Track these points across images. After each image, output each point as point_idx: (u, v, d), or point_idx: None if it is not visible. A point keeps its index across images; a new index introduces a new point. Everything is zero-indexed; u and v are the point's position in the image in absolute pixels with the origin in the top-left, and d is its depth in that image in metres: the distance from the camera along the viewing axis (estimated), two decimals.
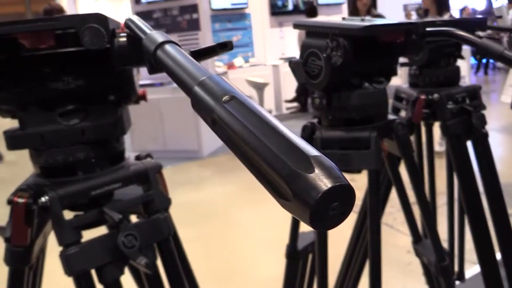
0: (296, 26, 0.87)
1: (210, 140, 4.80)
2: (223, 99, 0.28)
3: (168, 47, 0.38)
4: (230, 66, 6.13)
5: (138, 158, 0.71)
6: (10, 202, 0.63)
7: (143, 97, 0.70)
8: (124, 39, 0.58)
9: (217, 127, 0.28)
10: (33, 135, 0.61)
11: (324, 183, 0.22)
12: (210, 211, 3.23)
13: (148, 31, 0.43)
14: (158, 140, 4.79)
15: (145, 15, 5.16)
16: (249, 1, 6.52)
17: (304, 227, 1.13)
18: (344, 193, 0.23)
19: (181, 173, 4.16)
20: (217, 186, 3.79)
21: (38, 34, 0.54)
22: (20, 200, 0.62)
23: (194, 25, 5.22)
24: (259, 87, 5.76)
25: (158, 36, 0.40)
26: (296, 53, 6.53)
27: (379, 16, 4.62)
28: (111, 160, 0.66)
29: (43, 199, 0.60)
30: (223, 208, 3.29)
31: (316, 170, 0.23)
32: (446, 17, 3.55)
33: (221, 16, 6.27)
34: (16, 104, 0.61)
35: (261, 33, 6.76)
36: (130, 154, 0.72)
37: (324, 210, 0.22)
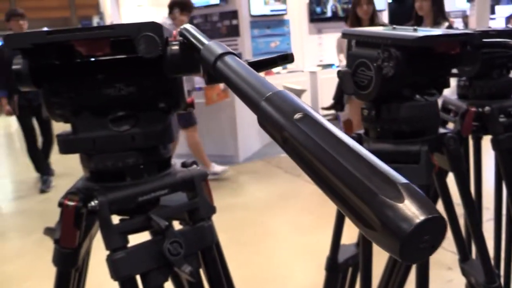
0: (345, 35, 0.86)
1: (247, 145, 4.81)
2: (295, 116, 0.27)
3: (228, 58, 0.38)
4: (268, 72, 6.13)
5: (184, 165, 0.71)
6: (60, 204, 0.64)
7: (191, 104, 0.71)
8: (177, 47, 0.58)
9: (289, 145, 0.27)
10: (85, 140, 0.62)
11: (416, 214, 0.21)
12: (245, 217, 3.23)
13: (205, 41, 0.43)
14: None
15: None
16: (288, 7, 6.51)
17: (345, 239, 1.11)
18: (436, 226, 0.21)
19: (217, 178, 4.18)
20: (253, 192, 3.78)
21: (94, 41, 0.55)
22: (70, 203, 0.63)
23: (234, 31, 5.27)
24: (297, 94, 5.71)
25: (217, 47, 0.40)
26: (334, 60, 6.47)
27: (385, 24, 3.95)
28: (158, 167, 0.67)
29: (92, 203, 0.61)
30: (258, 214, 3.28)
31: (406, 200, 0.21)
32: (444, 26, 3.20)
33: (260, 22, 6.29)
34: (69, 109, 0.63)
35: (299, 39, 6.73)
36: (175, 161, 0.72)
37: (415, 243, 0.21)
